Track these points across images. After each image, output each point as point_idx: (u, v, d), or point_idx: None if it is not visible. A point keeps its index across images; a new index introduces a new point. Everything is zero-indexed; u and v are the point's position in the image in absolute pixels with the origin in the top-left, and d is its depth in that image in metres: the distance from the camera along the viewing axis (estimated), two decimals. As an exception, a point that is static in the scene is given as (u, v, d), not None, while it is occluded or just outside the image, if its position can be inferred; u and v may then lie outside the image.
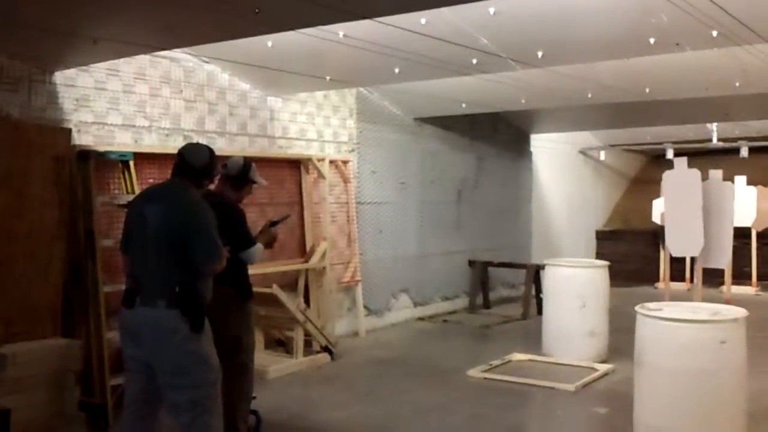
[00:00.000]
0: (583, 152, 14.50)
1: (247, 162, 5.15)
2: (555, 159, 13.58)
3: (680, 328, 4.60)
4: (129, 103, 6.62)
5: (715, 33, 5.47)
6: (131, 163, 6.21)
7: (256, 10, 4.45)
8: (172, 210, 4.05)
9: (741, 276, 12.77)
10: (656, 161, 14.82)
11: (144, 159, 6.46)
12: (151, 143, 6.77)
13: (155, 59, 6.80)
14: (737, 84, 7.64)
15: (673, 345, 4.58)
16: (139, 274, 4.06)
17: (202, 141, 7.19)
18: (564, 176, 13.96)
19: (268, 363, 7.11)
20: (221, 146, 7.39)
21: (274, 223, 5.26)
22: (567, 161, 14.07)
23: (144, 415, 4.10)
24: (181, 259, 3.96)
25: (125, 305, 4.07)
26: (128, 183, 6.17)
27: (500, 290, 11.93)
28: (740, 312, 4.77)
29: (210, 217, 4.10)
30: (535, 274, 10.41)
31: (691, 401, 4.58)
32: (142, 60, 6.67)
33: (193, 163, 4.21)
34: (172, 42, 5.70)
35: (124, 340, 4.12)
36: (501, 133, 11.98)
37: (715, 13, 5.06)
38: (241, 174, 5.07)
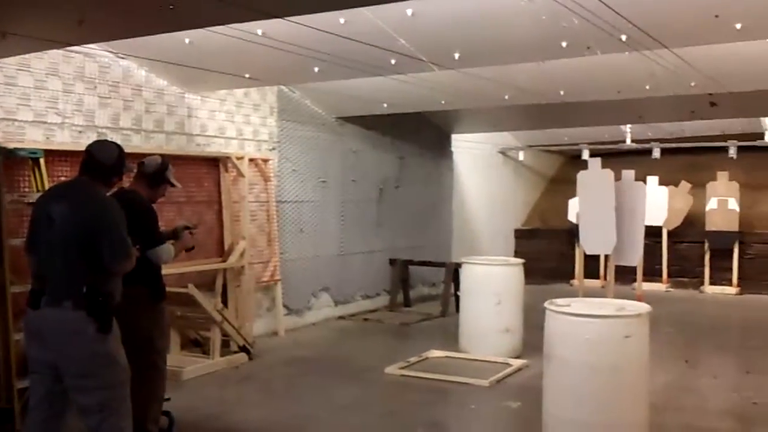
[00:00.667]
0: (502, 152, 14.75)
1: (165, 161, 5.09)
2: (475, 159, 13.78)
3: (586, 323, 4.74)
4: (40, 99, 6.45)
5: (624, 37, 5.67)
6: (42, 161, 6.05)
7: (171, 6, 4.41)
8: (80, 208, 3.98)
9: (652, 273, 13.20)
10: (573, 161, 15.19)
11: (56, 156, 6.30)
12: (63, 140, 6.61)
13: (68, 54, 6.64)
14: (647, 87, 7.91)
15: (579, 339, 4.72)
16: (45, 274, 3.98)
17: (117, 138, 7.04)
18: (484, 176, 14.17)
19: (183, 363, 7.03)
20: (137, 144, 7.28)
21: (178, 230, 5.20)
22: (487, 161, 14.30)
23: (50, 418, 4.01)
24: (89, 259, 3.90)
25: (30, 306, 3.98)
26: (39, 181, 6.01)
27: (421, 288, 12.06)
28: (644, 308, 4.94)
29: (119, 216, 4.04)
30: (455, 273, 10.53)
31: (597, 394, 4.73)
32: (55, 55, 6.51)
33: (102, 160, 4.15)
34: (84, 37, 5.58)
35: (29, 341, 4.02)
36: (423, 133, 12.10)
37: (620, 19, 5.24)
38: (157, 172, 5.01)
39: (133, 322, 4.41)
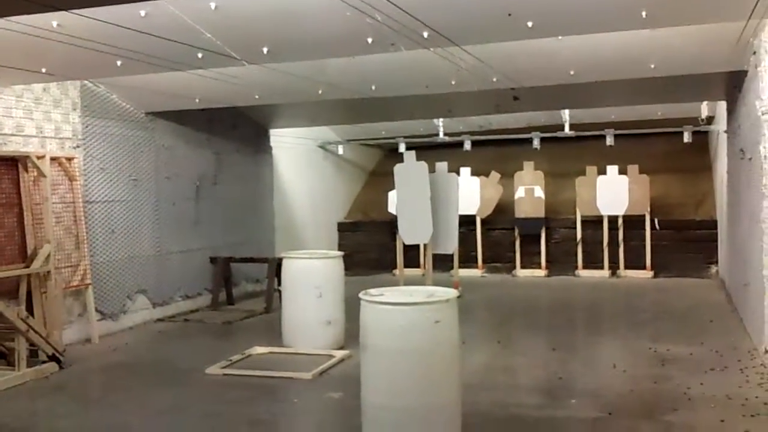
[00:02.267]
0: (322, 147, 14.87)
1: None
2: (295, 154, 13.80)
3: (397, 311, 4.85)
4: None
5: (426, 35, 5.86)
6: None
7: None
8: None
9: (468, 260, 13.84)
10: (391, 155, 15.56)
11: None
12: None
13: None
14: (453, 82, 8.23)
15: (392, 327, 4.82)
16: None
17: None
18: (305, 171, 14.24)
19: (-15, 378, 6.58)
20: None
21: None
22: (307, 156, 14.37)
23: None
24: None
25: None
26: None
27: (245, 285, 11.94)
28: (452, 293, 5.12)
29: None
30: (278, 268, 10.50)
31: (411, 379, 4.85)
32: None
33: None
34: None
35: None
36: (240, 129, 11.96)
37: (421, 17, 5.42)
38: None
39: None
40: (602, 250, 13.50)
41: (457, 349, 5.14)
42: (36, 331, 6.98)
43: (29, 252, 7.64)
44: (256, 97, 8.95)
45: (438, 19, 5.50)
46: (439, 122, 13.81)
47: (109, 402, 6.36)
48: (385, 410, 4.94)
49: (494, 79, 8.02)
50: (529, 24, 5.70)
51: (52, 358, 7.20)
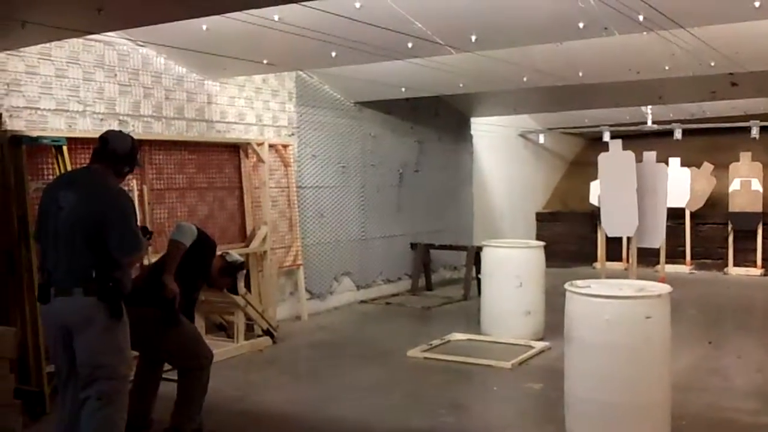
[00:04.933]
0: (522, 135, 14.69)
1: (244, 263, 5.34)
2: (495, 142, 13.72)
3: (606, 304, 4.72)
4: (62, 88, 6.51)
5: (641, 17, 5.62)
6: (65, 149, 6.12)
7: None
8: (90, 197, 3.95)
9: (676, 255, 13.13)
10: (594, 144, 15.09)
11: (78, 144, 6.37)
12: (85, 128, 6.68)
13: (88, 43, 6.69)
14: (667, 67, 7.83)
15: (599, 320, 4.70)
16: (51, 263, 3.95)
17: (139, 125, 7.17)
18: (504, 159, 14.13)
19: (208, 347, 7.10)
20: (158, 130, 7.35)
21: None
22: (507, 144, 14.23)
23: (77, 402, 4.03)
24: (96, 248, 3.87)
25: (40, 301, 3.98)
26: (62, 168, 6.07)
27: (442, 272, 12.08)
28: (664, 288, 4.91)
29: (129, 206, 4.04)
30: (476, 256, 10.51)
31: (618, 374, 4.71)
32: (75, 44, 6.57)
33: (116, 148, 4.11)
34: (103, 25, 5.60)
35: (47, 334, 4.09)
36: (442, 117, 12.09)
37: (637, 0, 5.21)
38: (232, 267, 5.19)
39: (162, 340, 4.68)
40: (828, 250, 12.37)
41: (668, 347, 4.92)
42: (253, 307, 7.45)
43: (248, 233, 8.18)
44: (461, 85, 9.00)
45: (659, 0, 5.25)
46: (648, 110, 13.19)
47: (318, 377, 6.68)
48: (590, 404, 4.84)
49: (712, 63, 7.55)
50: (757, 4, 5.31)
51: (266, 332, 7.67)
